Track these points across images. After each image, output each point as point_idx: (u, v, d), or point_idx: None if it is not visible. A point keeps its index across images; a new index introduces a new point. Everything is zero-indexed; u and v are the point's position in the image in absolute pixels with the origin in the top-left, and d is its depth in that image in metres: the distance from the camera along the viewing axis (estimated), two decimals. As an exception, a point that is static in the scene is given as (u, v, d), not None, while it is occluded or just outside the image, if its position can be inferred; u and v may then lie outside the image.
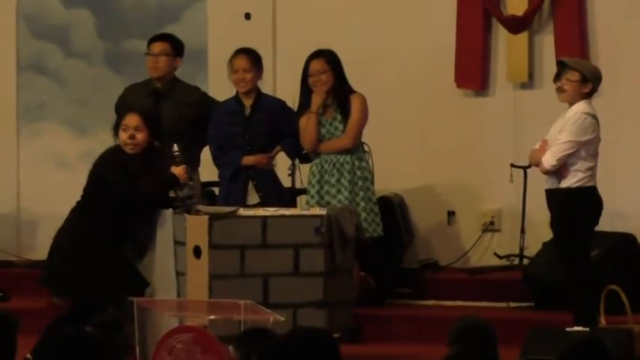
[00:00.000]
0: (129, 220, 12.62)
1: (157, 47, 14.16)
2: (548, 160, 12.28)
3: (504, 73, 15.55)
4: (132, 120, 12.47)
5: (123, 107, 13.68)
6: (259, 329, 8.32)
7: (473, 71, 15.48)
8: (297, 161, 14.00)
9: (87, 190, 12.52)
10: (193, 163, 13.64)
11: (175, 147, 12.56)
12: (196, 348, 9.35)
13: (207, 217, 12.26)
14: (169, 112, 13.73)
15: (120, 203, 12.40)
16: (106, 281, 12.22)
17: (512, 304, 13.76)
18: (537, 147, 12.65)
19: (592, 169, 12.37)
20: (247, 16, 15.96)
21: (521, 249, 14.65)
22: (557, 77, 12.72)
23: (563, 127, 12.37)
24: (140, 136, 12.41)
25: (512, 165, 14.36)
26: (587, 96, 12.40)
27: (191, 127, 13.91)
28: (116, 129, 12.60)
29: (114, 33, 16.76)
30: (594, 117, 12.39)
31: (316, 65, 13.47)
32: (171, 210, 12.80)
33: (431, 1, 15.78)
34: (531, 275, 13.84)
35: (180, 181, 12.48)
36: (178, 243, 12.56)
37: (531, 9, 15.21)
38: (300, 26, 15.68)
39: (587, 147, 12.33)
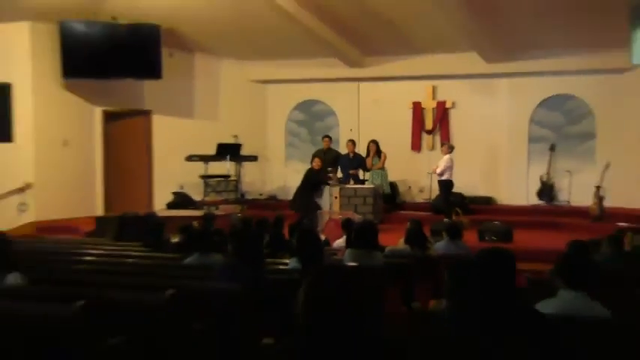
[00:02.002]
0: (314, 188, 13.49)
1: (326, 139, 14.67)
2: (437, 171, 13.51)
3: (426, 145, 15.66)
4: (317, 159, 13.73)
5: (314, 155, 14.07)
6: (349, 219, 10.02)
7: (416, 144, 15.60)
8: (365, 172, 14.37)
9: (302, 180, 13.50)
10: (335, 172, 13.73)
11: (329, 169, 13.60)
12: (338, 227, 10.20)
13: (339, 187, 13.20)
14: (328, 158, 14.17)
15: (310, 183, 13.46)
16: (310, 207, 13.11)
17: (428, 213, 13.81)
18: (435, 167, 13.62)
19: (451, 174, 13.37)
20: (351, 130, 15.67)
21: (430, 197, 14.74)
22: (441, 146, 14.17)
23: (443, 160, 13.41)
24: (319, 162, 13.57)
25: (428, 172, 14.56)
26: (450, 152, 13.45)
27: (334, 162, 14.11)
28: (311, 161, 13.80)
29: (313, 135, 16.40)
30: (452, 159, 13.36)
31: (371, 143, 14.21)
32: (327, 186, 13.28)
33: (404, 125, 15.57)
34: (433, 205, 14.13)
35: (329, 180, 13.31)
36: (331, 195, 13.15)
37: (434, 127, 15.43)
38: (368, 132, 15.05)
39: (450, 168, 13.33)
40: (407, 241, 7.94)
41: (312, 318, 2.24)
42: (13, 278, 5.13)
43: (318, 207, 13.19)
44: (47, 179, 13.91)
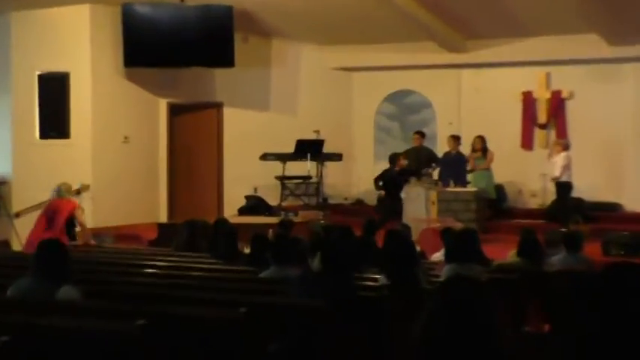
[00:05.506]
0: (396, 190, 13.70)
1: (416, 136, 14.70)
2: (556, 173, 13.48)
3: (539, 142, 15.37)
4: (401, 157, 14.11)
5: (398, 154, 14.51)
6: (448, 228, 9.92)
7: (527, 141, 15.31)
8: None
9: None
10: (430, 169, 14.31)
11: (424, 170, 14.05)
12: (436, 236, 10.06)
13: (436, 190, 13.19)
14: (422, 154, 14.44)
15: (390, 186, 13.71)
16: (393, 211, 13.23)
17: (542, 221, 13.77)
18: (554, 171, 13.50)
19: (569, 174, 13.48)
20: (450, 124, 15.64)
21: (544, 202, 14.66)
22: (554, 144, 14.26)
23: (559, 159, 13.50)
24: (404, 162, 14.05)
25: (541, 174, 14.59)
26: (566, 149, 13.54)
27: (427, 162, 14.37)
28: (391, 160, 14.36)
29: (404, 131, 16.16)
30: (569, 156, 13.48)
31: (477, 139, 14.21)
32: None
33: (512, 119, 15.32)
34: (548, 211, 14.12)
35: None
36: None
37: (548, 121, 15.10)
38: (470, 127, 15.09)
39: (567, 167, 13.35)
40: (520, 254, 7.88)
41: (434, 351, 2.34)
42: (66, 291, 5.27)
43: (400, 210, 13.39)
44: (105, 181, 14.24)
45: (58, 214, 11.65)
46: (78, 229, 12.04)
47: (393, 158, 14.44)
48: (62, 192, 12.04)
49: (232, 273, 7.41)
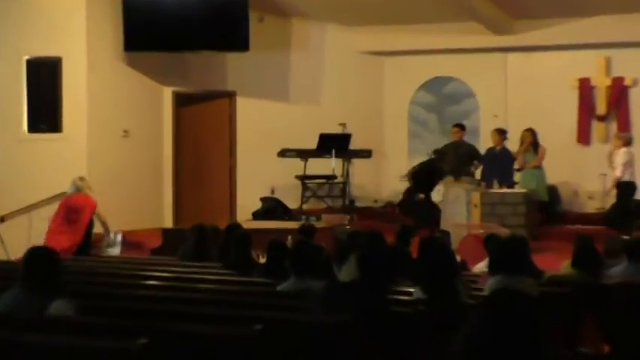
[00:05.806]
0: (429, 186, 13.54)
1: (455, 129, 14.25)
2: (617, 173, 12.86)
3: (597, 136, 14.80)
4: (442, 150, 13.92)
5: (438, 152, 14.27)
6: (493, 234, 9.20)
7: (584, 134, 14.69)
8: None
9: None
10: (472, 168, 13.98)
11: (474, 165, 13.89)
12: (479, 244, 9.66)
13: (479, 192, 12.63)
14: (462, 150, 13.86)
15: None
16: (426, 213, 12.96)
17: (601, 227, 13.12)
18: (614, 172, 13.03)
19: (632, 173, 13.00)
20: (496, 116, 15.03)
21: (604, 205, 14.08)
22: (615, 138, 13.54)
23: (619, 156, 12.94)
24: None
25: (600, 174, 13.94)
26: (628, 145, 13.05)
27: (467, 159, 13.81)
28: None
29: (442, 124, 15.80)
30: (631, 152, 12.93)
31: (526, 133, 13.45)
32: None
33: (567, 109, 14.75)
34: (608, 216, 13.43)
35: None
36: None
37: (608, 111, 14.63)
38: (518, 118, 14.48)
39: (629, 164, 12.85)
40: (575, 264, 7.48)
41: None
42: (59, 306, 5.16)
43: (437, 214, 13.22)
44: (102, 180, 13.68)
45: (80, 212, 11.71)
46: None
47: (438, 153, 14.40)
48: (80, 187, 11.94)
49: (246, 285, 7.27)
